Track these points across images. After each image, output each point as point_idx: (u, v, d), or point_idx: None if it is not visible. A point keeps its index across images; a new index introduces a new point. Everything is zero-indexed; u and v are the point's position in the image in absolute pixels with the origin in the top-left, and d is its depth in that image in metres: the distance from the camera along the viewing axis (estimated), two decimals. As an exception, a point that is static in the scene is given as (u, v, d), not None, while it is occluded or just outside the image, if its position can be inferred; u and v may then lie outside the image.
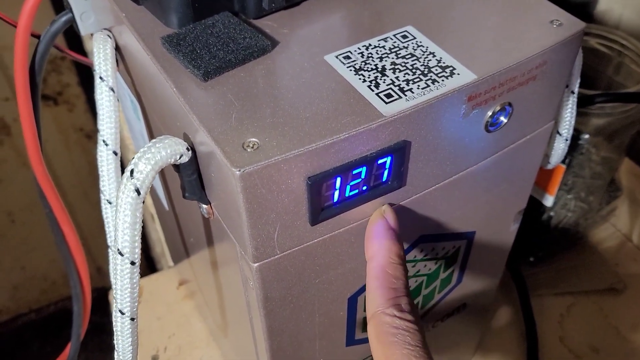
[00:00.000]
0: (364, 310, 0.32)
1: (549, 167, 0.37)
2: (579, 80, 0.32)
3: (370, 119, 0.23)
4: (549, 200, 0.48)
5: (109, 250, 0.34)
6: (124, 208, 0.24)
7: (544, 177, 0.47)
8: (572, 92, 0.32)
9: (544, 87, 0.28)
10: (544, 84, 0.27)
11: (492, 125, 0.27)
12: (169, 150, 0.24)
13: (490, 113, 0.26)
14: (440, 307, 0.37)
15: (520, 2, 0.28)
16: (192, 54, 0.25)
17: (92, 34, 0.37)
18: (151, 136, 0.35)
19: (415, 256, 0.31)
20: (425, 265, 0.32)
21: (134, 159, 0.24)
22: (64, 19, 0.35)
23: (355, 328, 0.32)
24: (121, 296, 0.26)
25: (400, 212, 0.27)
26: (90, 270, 1.24)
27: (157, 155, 0.23)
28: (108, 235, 0.33)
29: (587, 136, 0.45)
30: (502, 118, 0.27)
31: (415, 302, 0.35)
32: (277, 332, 0.29)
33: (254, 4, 0.27)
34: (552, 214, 0.50)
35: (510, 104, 0.26)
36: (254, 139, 0.22)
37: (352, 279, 0.29)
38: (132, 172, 0.23)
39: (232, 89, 0.24)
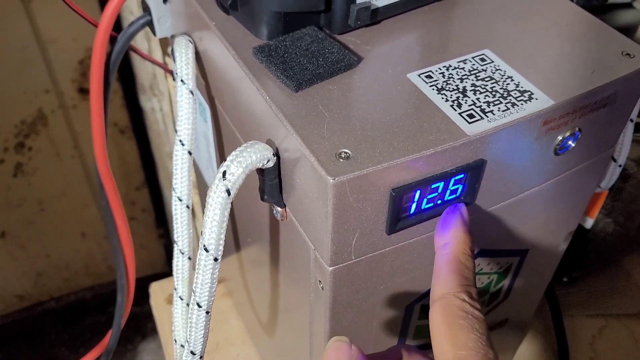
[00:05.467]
0: (418, 319, 0.33)
1: (598, 190, 0.38)
2: (638, 109, 0.33)
3: (455, 137, 0.24)
4: (588, 223, 0.49)
5: (174, 245, 0.35)
6: (213, 207, 0.25)
7: (585, 200, 0.48)
8: (631, 120, 0.33)
9: (612, 115, 0.29)
10: (611, 112, 0.28)
11: (560, 148, 0.28)
12: (259, 155, 0.25)
13: (560, 137, 0.27)
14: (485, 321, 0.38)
15: (593, 31, 0.30)
16: (284, 65, 0.26)
17: (169, 37, 0.38)
18: (219, 139, 0.36)
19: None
20: (479, 279, 0.33)
21: (226, 162, 0.25)
22: (142, 21, 0.37)
23: (407, 335, 0.34)
24: (201, 290, 0.27)
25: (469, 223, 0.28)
26: (111, 263, 1.27)
27: (248, 159, 0.25)
28: (175, 231, 0.34)
29: (632, 163, 0.46)
30: (570, 142, 0.28)
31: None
32: (338, 335, 0.30)
33: (340, 20, 0.28)
34: (589, 236, 0.51)
35: (579, 129, 0.28)
36: (346, 150, 0.23)
37: (413, 288, 0.30)
38: (224, 173, 0.25)
39: (322, 101, 0.25)
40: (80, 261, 1.20)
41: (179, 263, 0.35)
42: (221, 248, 0.26)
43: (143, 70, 0.78)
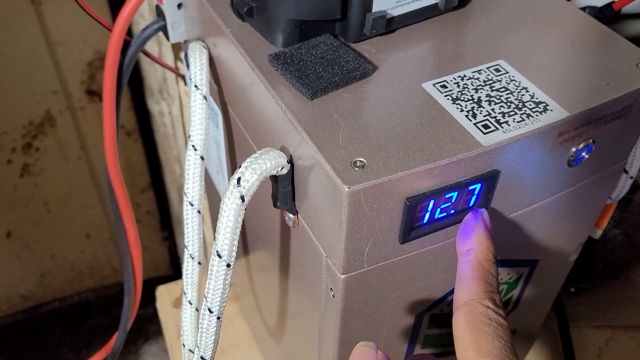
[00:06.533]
0: (427, 328, 0.33)
1: (608, 202, 0.38)
2: (651, 122, 0.33)
3: (470, 147, 0.24)
4: (596, 234, 0.49)
5: (185, 249, 0.35)
6: (227, 213, 0.25)
7: (594, 211, 0.48)
8: (643, 133, 0.33)
9: (625, 127, 0.29)
10: (625, 124, 0.28)
11: (574, 160, 0.28)
12: (273, 162, 0.25)
13: (574, 149, 0.27)
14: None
15: (607, 43, 0.30)
16: (299, 72, 0.26)
17: (183, 42, 0.38)
18: (230, 144, 0.36)
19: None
20: (489, 289, 0.33)
21: (240, 169, 0.25)
22: (156, 26, 0.37)
23: (415, 344, 0.33)
24: (212, 296, 0.27)
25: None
26: (115, 264, 1.28)
27: (262, 166, 0.25)
28: (185, 236, 0.34)
29: (642, 174, 0.46)
30: (584, 154, 0.28)
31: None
32: (347, 342, 0.30)
33: (355, 29, 0.28)
34: (598, 246, 0.51)
35: (593, 141, 0.28)
36: (362, 158, 0.23)
37: (424, 297, 0.30)
38: (238, 180, 0.25)
39: (337, 109, 0.25)
40: (84, 262, 1.21)
41: (189, 267, 0.35)
42: (234, 254, 0.26)
43: (152, 74, 0.79)
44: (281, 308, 0.38)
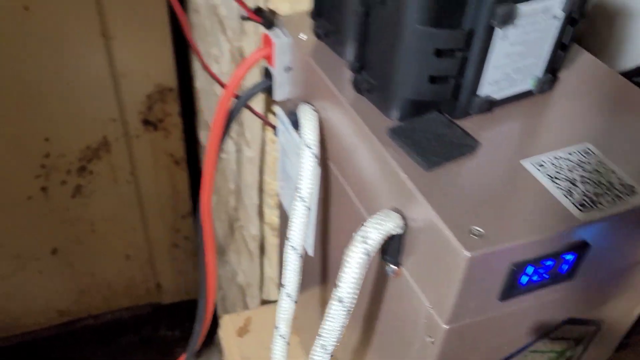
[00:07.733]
0: (503, 376, 0.36)
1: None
2: None
3: (569, 223, 0.28)
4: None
5: (281, 287, 0.39)
6: (354, 266, 0.29)
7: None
8: None
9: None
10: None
11: (651, 235, 0.31)
12: (394, 223, 0.29)
13: (653, 226, 0.31)
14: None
15: (680, 133, 0.33)
16: (415, 146, 0.30)
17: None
18: (326, 195, 0.40)
19: (558, 335, 0.35)
20: (560, 344, 0.36)
21: (365, 227, 0.29)
22: (263, 86, 0.42)
23: (490, 390, 0.37)
24: (328, 335, 0.30)
25: (565, 296, 0.32)
26: (150, 286, 1.32)
27: (385, 226, 0.29)
28: (284, 276, 0.38)
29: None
30: (659, 230, 0.32)
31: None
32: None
33: (462, 108, 0.32)
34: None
35: (669, 220, 0.31)
36: (477, 227, 0.27)
37: (507, 347, 0.33)
38: (363, 237, 0.29)
39: (449, 181, 0.29)
40: (121, 282, 1.25)
41: (285, 305, 0.38)
42: (354, 302, 0.30)
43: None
44: (360, 349, 0.42)
